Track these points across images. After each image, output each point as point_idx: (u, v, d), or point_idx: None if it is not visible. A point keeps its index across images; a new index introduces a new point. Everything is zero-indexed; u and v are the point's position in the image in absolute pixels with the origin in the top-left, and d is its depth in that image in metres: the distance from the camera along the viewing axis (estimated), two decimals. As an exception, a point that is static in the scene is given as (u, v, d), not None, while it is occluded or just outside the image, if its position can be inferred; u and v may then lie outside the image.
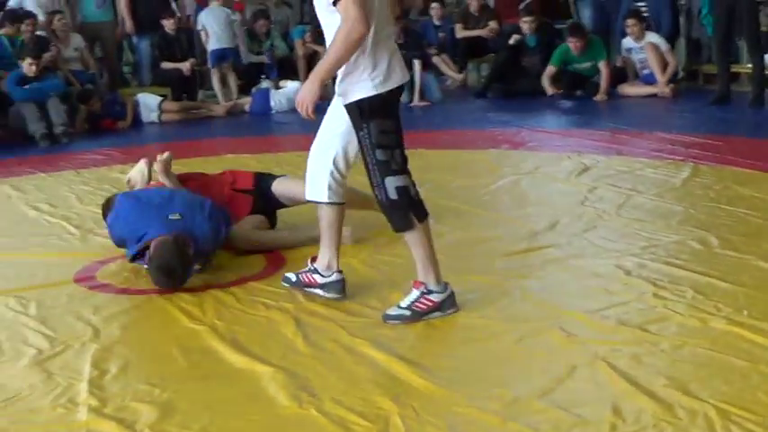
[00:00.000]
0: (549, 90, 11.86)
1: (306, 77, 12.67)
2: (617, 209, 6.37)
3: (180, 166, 6.76)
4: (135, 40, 13.53)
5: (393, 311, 4.55)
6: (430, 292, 4.56)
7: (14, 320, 4.83)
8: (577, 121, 10.67)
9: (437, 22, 13.87)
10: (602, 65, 12.07)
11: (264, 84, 12.81)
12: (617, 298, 4.67)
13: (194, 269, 5.23)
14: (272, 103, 12.31)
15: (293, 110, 12.05)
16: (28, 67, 10.88)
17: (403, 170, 4.54)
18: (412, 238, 4.59)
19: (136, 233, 5.24)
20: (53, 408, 3.78)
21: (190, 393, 3.88)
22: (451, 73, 13.35)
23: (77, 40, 12.53)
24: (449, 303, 4.59)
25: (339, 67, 4.46)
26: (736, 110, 10.82)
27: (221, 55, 12.86)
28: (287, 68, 13.49)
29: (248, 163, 8.28)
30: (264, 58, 13.35)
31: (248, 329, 4.54)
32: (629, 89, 12.29)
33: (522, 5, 13.49)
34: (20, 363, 4.27)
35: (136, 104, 11.98)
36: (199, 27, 13.00)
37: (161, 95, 12.25)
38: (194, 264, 5.19)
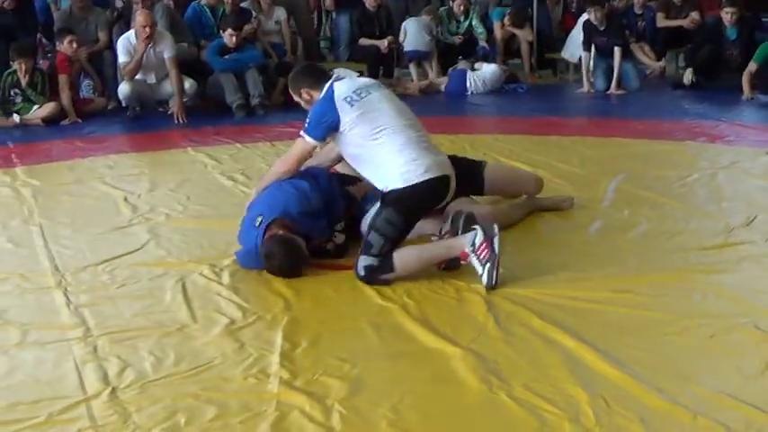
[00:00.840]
0: (747, 92, 11.40)
1: (504, 60, 12.73)
2: (816, 207, 6.18)
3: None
4: (334, 15, 13.70)
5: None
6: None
7: (208, 289, 4.98)
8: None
9: (638, 10, 13.63)
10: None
11: (461, 64, 12.81)
12: (814, 298, 4.55)
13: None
14: (468, 84, 12.32)
15: (489, 92, 12.15)
16: (228, 37, 11.06)
17: (379, 255, 4.92)
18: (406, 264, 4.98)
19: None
20: (245, 377, 3.90)
21: (380, 370, 3.96)
22: (650, 62, 13.11)
23: (279, 12, 12.71)
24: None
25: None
26: None
27: (414, 56, 12.97)
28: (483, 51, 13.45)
29: (442, 143, 8.31)
30: (458, 39, 13.32)
31: (439, 310, 4.58)
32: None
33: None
34: (213, 331, 4.41)
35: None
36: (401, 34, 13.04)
37: (358, 72, 12.38)
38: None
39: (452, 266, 5.02)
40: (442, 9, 13.73)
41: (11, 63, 10.59)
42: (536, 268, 5.07)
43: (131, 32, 10.71)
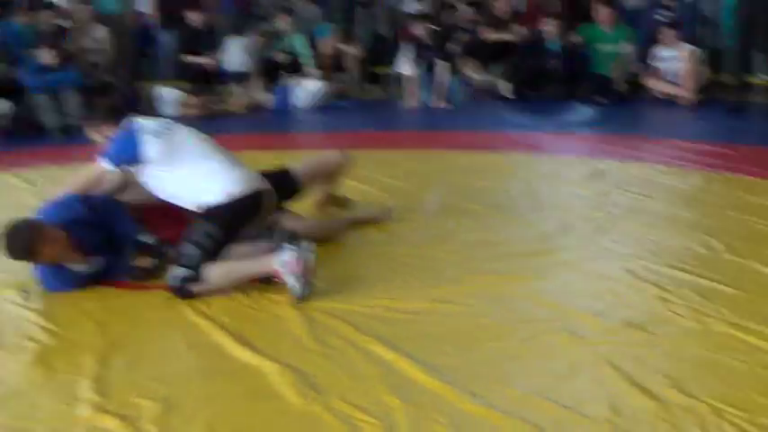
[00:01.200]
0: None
1: (330, 76, 12.70)
2: (627, 213, 6.37)
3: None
4: (157, 32, 13.52)
5: None
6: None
7: (16, 314, 4.85)
8: (596, 126, 10.63)
9: (464, 25, 13.81)
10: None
11: (287, 81, 12.78)
12: (623, 300, 4.70)
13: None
14: (294, 100, 12.32)
15: (315, 108, 12.16)
16: (45, 55, 10.85)
17: (192, 267, 4.93)
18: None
19: None
20: (55, 403, 3.80)
21: (194, 389, 3.90)
22: (475, 75, 13.30)
23: (99, 30, 12.47)
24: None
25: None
26: (751, 120, 10.81)
27: (234, 76, 12.88)
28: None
29: (266, 159, 8.26)
30: (282, 57, 13.28)
31: (256, 326, 4.55)
32: (654, 83, 12.11)
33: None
34: (21, 358, 4.30)
35: (155, 98, 11.98)
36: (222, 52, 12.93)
37: (181, 89, 12.26)
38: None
39: (269, 282, 4.99)
40: (267, 27, 13.66)
41: None
42: (355, 281, 5.09)
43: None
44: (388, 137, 10.16)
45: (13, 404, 3.80)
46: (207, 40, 12.96)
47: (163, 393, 3.81)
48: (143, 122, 5.25)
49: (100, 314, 4.79)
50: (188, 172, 5.12)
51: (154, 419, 3.59)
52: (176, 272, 4.94)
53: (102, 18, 12.72)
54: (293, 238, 5.03)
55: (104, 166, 5.18)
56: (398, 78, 13.12)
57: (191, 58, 12.79)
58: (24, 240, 4.92)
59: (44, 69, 10.86)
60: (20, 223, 4.99)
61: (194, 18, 12.79)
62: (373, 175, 7.59)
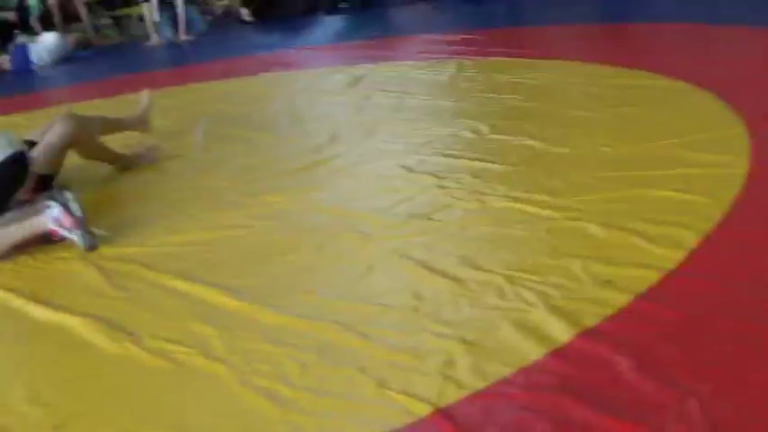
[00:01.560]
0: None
1: (64, 27, 12.36)
2: (392, 112, 6.56)
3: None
4: None
5: None
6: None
7: None
8: (344, 34, 10.79)
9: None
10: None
11: (21, 38, 12.44)
12: (403, 194, 4.86)
13: None
14: (33, 58, 12.01)
15: (57, 62, 11.88)
16: None
17: None
18: None
19: None
20: None
21: (4, 355, 3.92)
22: (213, 2, 13.27)
23: None
24: None
25: None
26: (485, 4, 11.18)
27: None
28: (45, 21, 13.09)
29: (19, 122, 8.10)
30: (11, 15, 12.89)
31: (50, 284, 4.53)
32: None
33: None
34: None
35: None
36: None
37: None
38: None
39: (50, 242, 4.96)
40: None
41: None
42: (137, 223, 5.11)
43: None
44: (137, 79, 10.05)
45: None
46: None
47: (-28, 366, 3.80)
48: None
49: None
50: None
51: (-35, 396, 3.58)
52: None
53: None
54: (56, 192, 4.98)
55: None
56: (139, 18, 12.99)
57: None
58: None
59: None
60: None
61: None
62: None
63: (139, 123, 6.59)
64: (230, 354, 3.49)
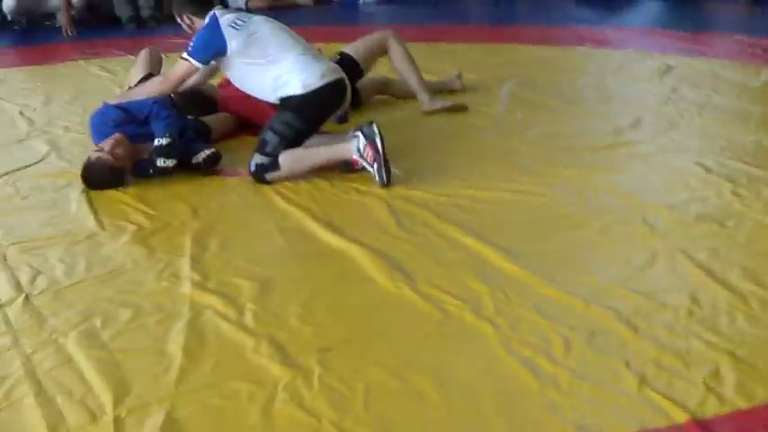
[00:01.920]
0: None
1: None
2: (698, 109, 6.43)
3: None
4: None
5: None
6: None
7: (113, 198, 5.04)
8: (662, 22, 10.61)
9: None
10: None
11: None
12: (697, 194, 4.79)
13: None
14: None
15: (381, 1, 12.18)
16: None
17: (271, 155, 5.12)
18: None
19: None
20: (157, 281, 4.01)
21: (288, 271, 4.12)
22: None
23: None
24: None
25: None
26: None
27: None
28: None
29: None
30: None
31: (342, 213, 4.72)
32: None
33: None
34: (122, 239, 4.50)
35: (224, -6, 12.04)
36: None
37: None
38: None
39: (349, 171, 5.16)
40: None
41: None
42: (434, 170, 5.23)
43: (17, -58, 10.53)
44: (452, 30, 10.20)
45: (118, 281, 4.01)
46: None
47: (258, 274, 4.00)
48: (223, 15, 5.37)
49: (192, 197, 4.99)
50: (267, 64, 5.26)
51: (252, 298, 3.79)
52: (255, 158, 5.13)
53: None
54: (364, 125, 5.13)
55: (193, 62, 5.35)
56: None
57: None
58: (102, 174, 5.13)
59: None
60: (90, 163, 5.16)
61: None
62: (442, 67, 7.67)
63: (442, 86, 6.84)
64: (499, 316, 3.56)
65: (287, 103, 5.21)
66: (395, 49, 6.52)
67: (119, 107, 5.40)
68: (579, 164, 5.31)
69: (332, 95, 5.28)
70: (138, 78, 5.99)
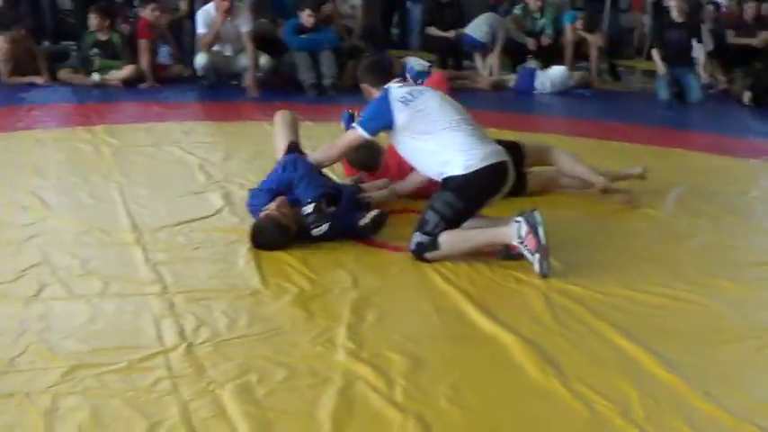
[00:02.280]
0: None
1: (572, 64, 12.66)
2: None
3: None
4: (408, 4, 13.83)
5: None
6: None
7: (279, 258, 5.18)
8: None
9: (709, 26, 13.67)
10: None
11: (531, 63, 12.93)
12: None
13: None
14: (537, 84, 12.44)
15: (556, 93, 12.25)
16: (306, 17, 11.29)
17: (432, 234, 5.19)
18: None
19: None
20: (313, 345, 4.12)
21: (441, 350, 4.17)
22: (719, 77, 13.16)
23: (355, -4, 12.92)
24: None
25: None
26: None
27: (469, 43, 13.09)
28: (552, 53, 13.45)
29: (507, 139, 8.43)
30: (531, 41, 13.30)
31: (498, 299, 4.77)
32: None
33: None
34: (283, 299, 4.63)
35: (403, 67, 12.24)
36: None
37: (428, 61, 12.49)
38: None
39: (510, 257, 5.22)
40: (518, 7, 13.74)
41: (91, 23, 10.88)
42: (593, 267, 5.26)
43: (211, 5, 10.93)
44: (624, 129, 10.18)
45: (276, 340, 4.13)
46: (452, 14, 13.20)
47: (412, 350, 4.08)
48: (394, 89, 5.53)
49: (353, 266, 5.12)
50: (431, 141, 5.37)
51: (404, 374, 3.85)
52: (415, 236, 5.22)
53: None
54: (528, 212, 5.16)
55: (360, 133, 5.54)
56: (642, 72, 13.13)
57: (434, 31, 13.03)
58: (270, 233, 5.32)
59: (304, 29, 11.30)
60: (258, 223, 5.39)
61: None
62: (611, 165, 7.67)
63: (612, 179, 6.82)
64: (648, 423, 3.55)
65: (448, 182, 5.29)
66: (562, 157, 6.64)
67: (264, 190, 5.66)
68: (741, 278, 5.26)
69: (493, 178, 5.33)
70: (284, 146, 6.09)
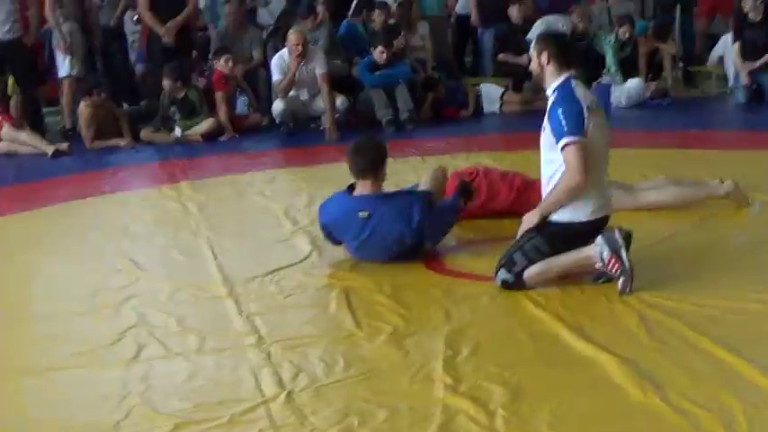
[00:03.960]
0: None
1: (646, 75, 12.49)
2: None
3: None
4: (479, 31, 13.83)
5: None
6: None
7: (370, 299, 5.24)
8: None
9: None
10: None
11: (605, 78, 12.82)
12: None
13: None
14: (612, 99, 12.35)
15: (632, 106, 12.14)
16: (379, 54, 11.35)
17: (518, 274, 5.14)
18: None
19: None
20: (411, 383, 4.15)
21: (538, 377, 4.17)
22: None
23: (423, 28, 12.93)
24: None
25: (558, 208, 5.13)
26: None
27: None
28: (626, 65, 13.33)
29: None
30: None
31: (592, 320, 4.77)
32: None
33: None
34: (378, 339, 4.68)
35: (478, 94, 12.28)
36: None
37: (503, 86, 12.50)
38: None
39: (598, 280, 5.21)
40: (609, 40, 13.42)
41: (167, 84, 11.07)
42: (685, 278, 5.24)
43: (285, 50, 11.05)
44: (705, 136, 10.08)
45: (374, 381, 4.18)
46: (524, 39, 13.16)
47: (509, 379, 4.09)
48: (578, 88, 5.15)
49: (444, 301, 5.16)
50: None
51: (503, 404, 3.87)
52: (501, 273, 5.22)
53: (426, 17, 13.15)
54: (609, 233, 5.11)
55: (581, 140, 5.01)
56: (718, 76, 12.99)
57: (508, 57, 13.00)
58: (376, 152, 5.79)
59: (377, 66, 11.39)
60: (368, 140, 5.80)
61: (514, 13, 12.96)
62: (696, 174, 7.59)
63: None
64: (753, 433, 3.53)
65: (547, 225, 5.19)
66: (653, 195, 6.63)
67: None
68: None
69: (592, 231, 5.15)
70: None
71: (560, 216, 5.16)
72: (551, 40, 5.29)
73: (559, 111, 5.05)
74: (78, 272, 6.08)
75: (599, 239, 5.05)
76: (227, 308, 5.20)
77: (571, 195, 5.08)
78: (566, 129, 5.00)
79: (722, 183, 6.72)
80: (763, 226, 6.29)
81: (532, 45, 5.41)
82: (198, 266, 6.01)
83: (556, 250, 5.18)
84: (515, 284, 5.17)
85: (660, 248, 5.76)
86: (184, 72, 11.26)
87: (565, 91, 5.12)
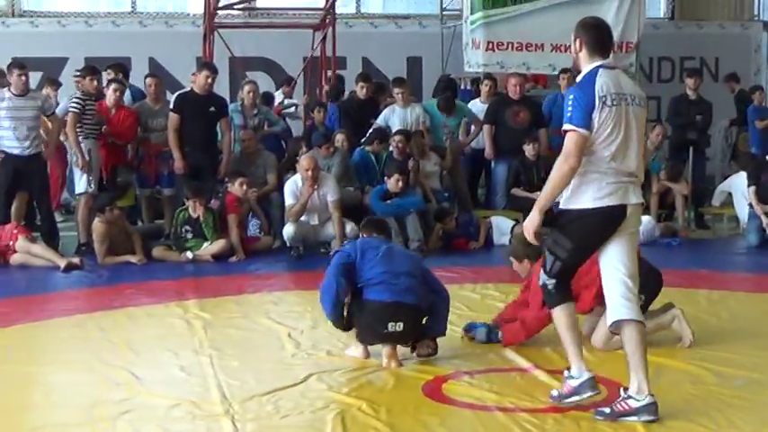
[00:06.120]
0: None
1: (658, 215, 12.46)
2: None
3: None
4: (492, 163, 13.96)
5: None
6: (629, 397, 5.06)
7: (366, 424, 5.28)
8: None
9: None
10: None
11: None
12: None
13: None
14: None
15: (643, 243, 12.11)
16: (394, 183, 11.48)
17: (552, 276, 5.25)
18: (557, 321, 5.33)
19: None
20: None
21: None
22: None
23: (435, 157, 13.07)
24: (645, 411, 5.04)
25: (556, 197, 5.16)
26: None
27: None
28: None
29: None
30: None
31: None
32: None
33: None
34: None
35: (489, 227, 12.36)
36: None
37: (514, 220, 12.55)
38: None
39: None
40: None
41: (185, 201, 11.21)
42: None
43: (298, 175, 11.21)
44: (711, 276, 10.12)
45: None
46: (537, 175, 13.28)
47: None
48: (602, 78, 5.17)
49: (439, 429, 5.15)
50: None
51: None
52: (541, 278, 5.37)
53: (435, 149, 13.29)
54: None
55: (577, 130, 5.08)
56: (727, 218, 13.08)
57: (520, 192, 13.10)
58: None
59: (389, 194, 11.52)
60: None
61: (529, 150, 13.11)
62: (697, 313, 7.63)
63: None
64: None
65: (557, 217, 5.24)
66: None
67: None
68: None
69: (604, 220, 5.17)
70: None
71: (565, 204, 5.22)
72: (586, 28, 5.38)
73: (572, 96, 5.18)
74: (78, 383, 6.14)
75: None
76: (223, 426, 5.24)
77: (564, 179, 5.14)
78: (570, 116, 5.12)
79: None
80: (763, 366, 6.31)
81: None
82: (197, 383, 6.06)
83: (575, 242, 5.20)
84: (557, 292, 5.29)
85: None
86: (206, 193, 11.42)
87: (586, 78, 5.22)
